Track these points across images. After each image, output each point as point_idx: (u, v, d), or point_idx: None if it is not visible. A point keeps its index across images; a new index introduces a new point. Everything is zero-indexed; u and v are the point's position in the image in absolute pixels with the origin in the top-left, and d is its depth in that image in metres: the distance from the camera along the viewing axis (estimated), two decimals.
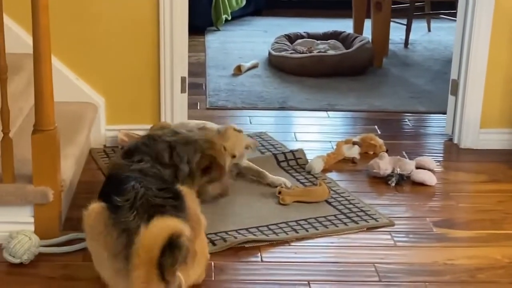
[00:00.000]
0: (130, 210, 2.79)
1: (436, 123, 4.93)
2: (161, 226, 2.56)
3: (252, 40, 6.94)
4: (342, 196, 3.80)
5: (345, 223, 3.54)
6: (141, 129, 4.21)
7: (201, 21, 7.08)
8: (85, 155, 4.09)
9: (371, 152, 4.32)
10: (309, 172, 4.07)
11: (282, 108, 5.13)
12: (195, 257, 2.82)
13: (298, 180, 3.99)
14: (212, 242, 3.26)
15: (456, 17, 4.58)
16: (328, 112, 5.08)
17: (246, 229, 3.42)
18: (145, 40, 4.21)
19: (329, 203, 3.73)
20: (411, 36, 6.89)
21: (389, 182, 3.96)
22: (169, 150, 3.34)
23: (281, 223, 3.51)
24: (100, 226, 2.83)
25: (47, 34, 3.10)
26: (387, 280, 3.09)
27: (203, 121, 4.04)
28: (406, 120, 5.00)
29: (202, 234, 2.94)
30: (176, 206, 2.84)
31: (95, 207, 2.89)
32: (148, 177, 3.02)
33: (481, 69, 4.41)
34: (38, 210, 3.24)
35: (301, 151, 4.24)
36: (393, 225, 3.55)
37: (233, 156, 3.73)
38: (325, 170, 4.10)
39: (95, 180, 3.89)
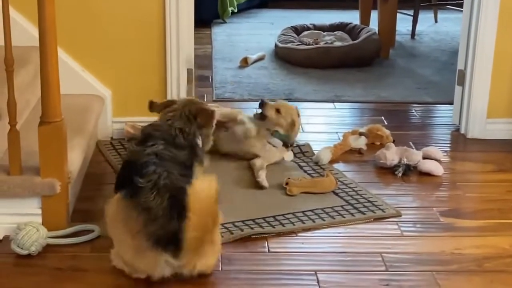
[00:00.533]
0: (151, 190, 2.87)
1: (443, 114, 4.93)
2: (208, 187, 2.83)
3: (259, 32, 6.94)
4: (349, 187, 3.80)
5: (352, 214, 3.54)
6: (147, 121, 4.20)
7: (207, 13, 7.08)
8: (92, 148, 4.10)
9: (378, 143, 4.32)
10: (316, 163, 4.07)
11: (288, 100, 5.10)
12: (214, 246, 2.92)
13: (305, 171, 3.99)
14: None
15: (462, 8, 4.57)
16: (335, 104, 5.08)
17: (253, 220, 3.43)
18: (151, 32, 4.21)
19: (336, 194, 3.73)
20: (418, 27, 6.87)
21: (396, 173, 3.96)
22: (180, 131, 3.23)
23: (288, 214, 3.51)
24: (122, 212, 2.92)
25: (53, 26, 3.11)
26: (394, 269, 3.10)
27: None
28: (413, 111, 4.99)
29: (218, 226, 2.98)
30: None
31: (115, 198, 2.99)
32: (166, 161, 3.02)
33: (488, 59, 4.41)
34: (46, 202, 3.25)
35: (307, 145, 4.25)
36: (400, 215, 3.55)
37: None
38: (332, 161, 4.10)
39: (102, 172, 3.91)
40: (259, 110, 4.07)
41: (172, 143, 3.14)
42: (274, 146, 4.03)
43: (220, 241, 3.04)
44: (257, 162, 3.93)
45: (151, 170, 2.93)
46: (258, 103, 4.11)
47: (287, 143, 4.07)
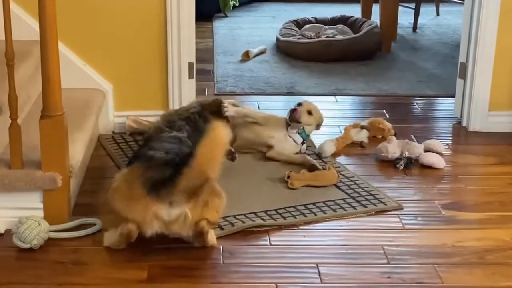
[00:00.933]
0: (149, 148, 3.05)
1: (445, 107, 4.92)
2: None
3: (260, 26, 6.93)
4: (351, 180, 3.80)
5: (353, 207, 3.54)
6: (149, 115, 4.22)
7: (209, 7, 7.07)
8: (93, 142, 4.10)
9: (380, 136, 4.32)
10: (319, 155, 4.07)
11: (290, 93, 5.13)
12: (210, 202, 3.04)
13: None
14: (220, 227, 3.27)
15: (464, 0, 4.56)
16: (337, 97, 5.08)
17: (255, 213, 3.43)
18: (152, 26, 4.21)
19: (338, 187, 3.73)
20: (420, 20, 6.86)
21: (398, 166, 3.96)
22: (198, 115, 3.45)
23: (289, 207, 3.51)
24: (126, 173, 3.11)
25: (54, 20, 3.11)
26: (396, 262, 3.10)
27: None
28: (415, 104, 4.99)
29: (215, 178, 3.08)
30: None
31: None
32: (184, 146, 3.14)
33: (490, 52, 4.40)
34: (47, 196, 3.26)
35: (309, 140, 4.24)
36: (401, 208, 3.55)
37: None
38: (333, 154, 4.11)
39: (104, 166, 3.91)
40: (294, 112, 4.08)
41: (194, 128, 3.30)
42: (294, 141, 4.06)
43: (221, 206, 3.13)
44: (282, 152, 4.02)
45: (162, 143, 3.12)
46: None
47: (305, 140, 4.12)
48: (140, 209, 2.96)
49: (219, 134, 2.95)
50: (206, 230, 3.05)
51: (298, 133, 4.07)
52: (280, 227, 3.35)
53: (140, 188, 2.95)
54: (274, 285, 2.93)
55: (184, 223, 2.99)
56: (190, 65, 4.30)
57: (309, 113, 4.08)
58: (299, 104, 4.10)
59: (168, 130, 3.26)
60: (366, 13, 6.70)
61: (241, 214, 3.40)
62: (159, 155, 3.03)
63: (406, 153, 4.00)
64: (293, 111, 4.06)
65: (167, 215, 2.98)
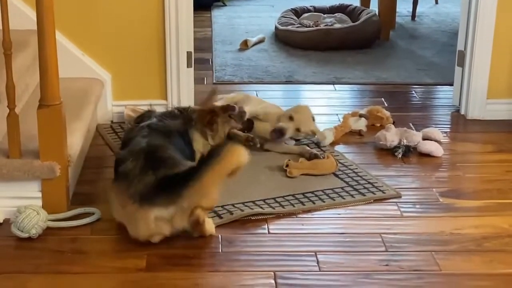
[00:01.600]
0: (129, 157, 3.05)
1: (443, 95, 4.92)
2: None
3: (259, 15, 6.94)
4: (349, 168, 3.81)
5: (352, 195, 3.54)
6: (147, 104, 4.21)
7: None
8: (92, 131, 4.10)
9: (378, 124, 4.32)
10: (318, 144, 4.07)
11: (288, 82, 5.13)
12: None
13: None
14: (219, 215, 3.28)
15: None
16: (335, 86, 5.08)
17: (253, 201, 3.43)
18: (151, 16, 4.20)
19: (337, 176, 3.73)
20: (418, 9, 6.87)
21: (396, 154, 3.96)
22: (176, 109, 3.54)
23: (288, 195, 3.52)
24: (113, 190, 3.11)
25: (51, 9, 3.10)
26: (394, 250, 3.10)
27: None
28: (413, 92, 4.99)
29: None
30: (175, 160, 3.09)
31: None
32: (156, 131, 3.21)
33: (488, 40, 4.40)
34: (46, 185, 3.26)
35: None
36: (399, 196, 3.55)
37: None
38: (332, 143, 4.11)
39: (102, 156, 3.92)
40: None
41: (168, 115, 3.37)
42: (285, 143, 4.05)
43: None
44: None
45: (134, 142, 3.14)
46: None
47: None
48: (141, 222, 2.97)
49: (236, 159, 2.97)
50: (202, 219, 3.04)
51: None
52: (278, 216, 3.35)
53: (131, 204, 2.96)
54: (272, 273, 2.94)
55: (182, 214, 2.99)
56: (189, 54, 4.30)
57: (298, 130, 4.00)
58: (290, 118, 3.99)
59: (136, 124, 3.31)
60: (365, 1, 6.69)
61: (240, 203, 3.41)
62: (128, 167, 3.02)
63: (405, 141, 4.00)
64: (277, 132, 3.94)
65: (167, 214, 2.98)
